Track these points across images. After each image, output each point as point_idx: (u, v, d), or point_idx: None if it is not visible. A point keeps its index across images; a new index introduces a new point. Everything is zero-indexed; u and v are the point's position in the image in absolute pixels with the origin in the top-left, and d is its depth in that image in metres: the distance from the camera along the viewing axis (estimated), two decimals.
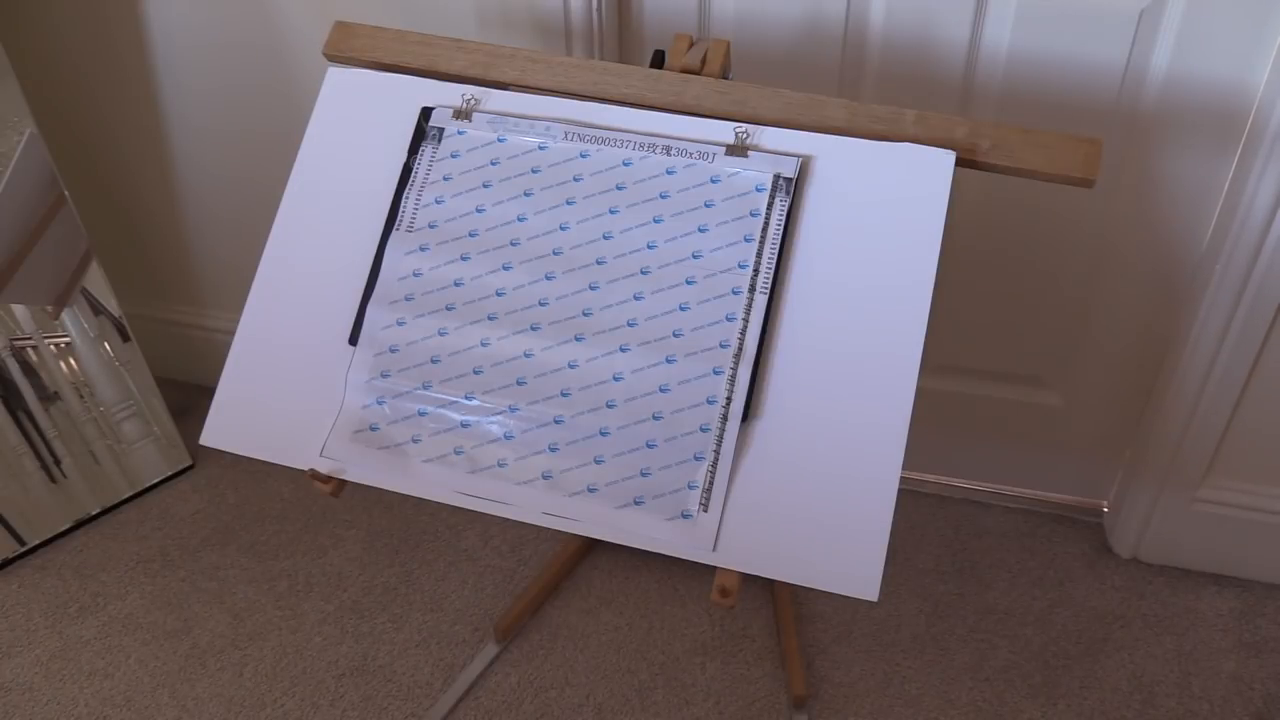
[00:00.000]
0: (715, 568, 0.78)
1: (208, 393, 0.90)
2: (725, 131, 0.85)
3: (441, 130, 0.89)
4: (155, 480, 1.46)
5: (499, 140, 0.88)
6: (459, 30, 1.19)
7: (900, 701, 1.14)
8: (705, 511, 0.78)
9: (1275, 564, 1.27)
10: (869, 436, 0.77)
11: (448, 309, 0.85)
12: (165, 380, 1.56)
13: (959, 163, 0.82)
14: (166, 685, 1.16)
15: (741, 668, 1.18)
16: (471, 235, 0.86)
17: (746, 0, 1.12)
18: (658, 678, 1.16)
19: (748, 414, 0.79)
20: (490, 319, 0.84)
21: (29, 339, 1.31)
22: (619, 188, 0.85)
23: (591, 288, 0.83)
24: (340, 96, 0.92)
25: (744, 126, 0.85)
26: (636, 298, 0.82)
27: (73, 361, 1.36)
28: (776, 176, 0.83)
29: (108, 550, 1.35)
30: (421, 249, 0.87)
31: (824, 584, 0.76)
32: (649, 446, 0.80)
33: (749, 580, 1.22)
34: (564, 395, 0.82)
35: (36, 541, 1.35)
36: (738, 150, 0.84)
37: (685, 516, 0.79)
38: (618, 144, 0.86)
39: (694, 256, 0.83)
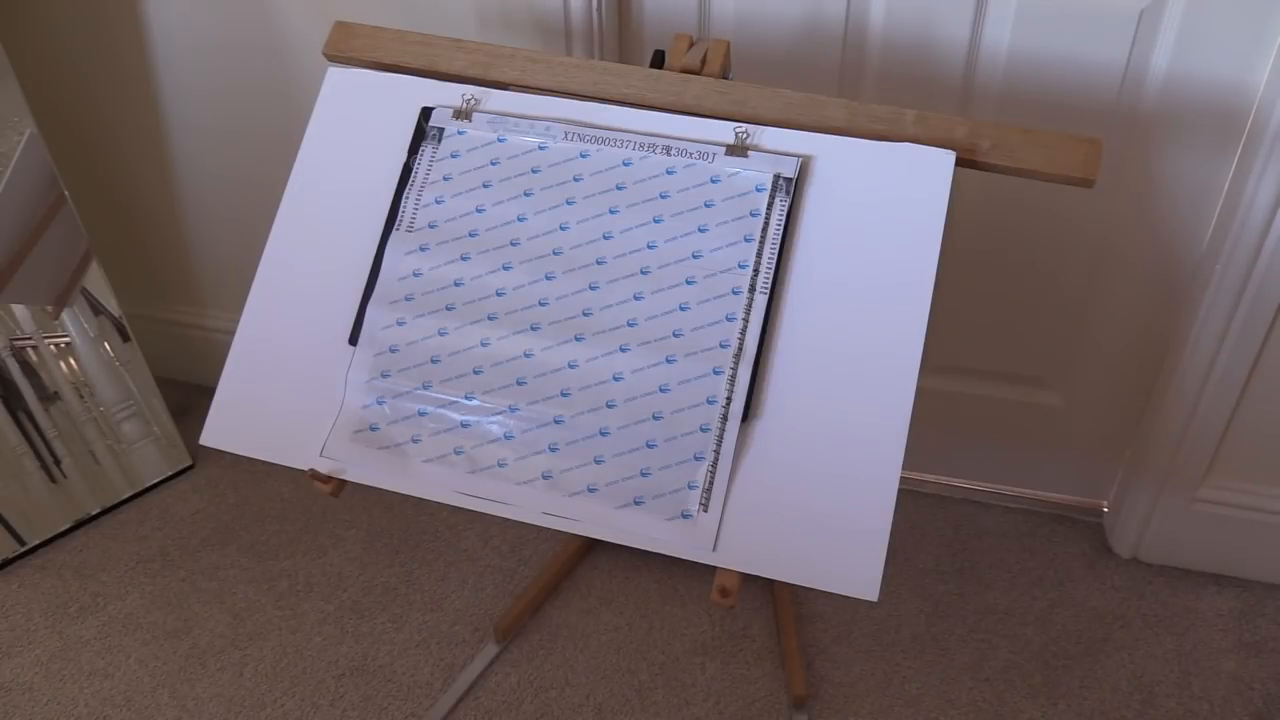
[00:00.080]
0: (715, 568, 0.78)
1: (208, 393, 0.90)
2: (725, 131, 0.85)
3: (441, 130, 0.89)
4: (155, 480, 1.46)
5: (499, 140, 0.88)
6: (459, 30, 1.19)
7: (900, 701, 1.14)
8: (705, 511, 0.78)
9: (1275, 564, 1.27)
10: (869, 436, 0.77)
11: (448, 309, 0.85)
12: (165, 380, 1.56)
13: (959, 163, 0.82)
14: (166, 685, 1.16)
15: (741, 668, 1.18)
16: (471, 235, 0.86)
17: (746, 0, 1.12)
18: (658, 678, 1.16)
19: (748, 414, 0.79)
20: (490, 319, 0.84)
21: (29, 339, 1.31)
22: (619, 188, 0.85)
23: (591, 288, 0.83)
24: (340, 96, 0.92)
25: (744, 126, 0.85)
26: (636, 298, 0.82)
27: (73, 361, 1.36)
28: (776, 176, 0.83)
29: (108, 550, 1.35)
30: (421, 249, 0.87)
31: (824, 584, 0.76)
32: (649, 446, 0.80)
33: (749, 580, 1.22)
34: (564, 395, 0.82)
35: (36, 541, 1.35)
36: (738, 150, 0.84)
37: (685, 516, 0.79)
38: (618, 144, 0.86)
39: (694, 256, 0.83)
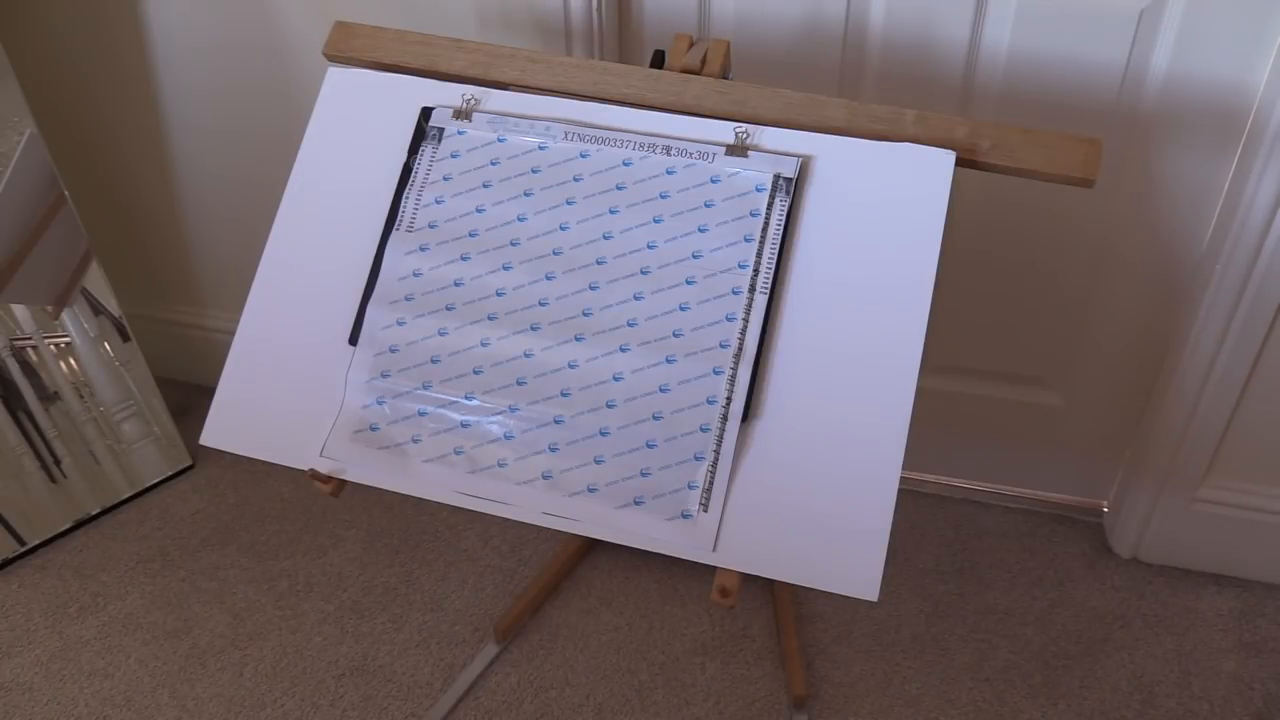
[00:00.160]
0: (715, 568, 0.78)
1: (208, 393, 0.90)
2: (725, 131, 0.85)
3: (441, 130, 0.89)
4: (155, 480, 1.46)
5: (499, 140, 0.88)
6: (459, 30, 1.19)
7: (900, 701, 1.14)
8: (705, 511, 0.78)
9: (1275, 564, 1.27)
10: (869, 436, 0.77)
11: (448, 309, 0.85)
12: (165, 380, 1.56)
13: (959, 163, 0.82)
14: (166, 685, 1.16)
15: (741, 668, 1.18)
16: (471, 235, 0.86)
17: (746, 0, 1.12)
18: (658, 678, 1.16)
19: (748, 414, 0.79)
20: (490, 319, 0.84)
21: (29, 339, 1.31)
22: (619, 188, 0.85)
23: (591, 288, 0.83)
24: (340, 96, 0.92)
25: (744, 126, 0.85)
26: (636, 298, 0.82)
27: (73, 361, 1.36)
28: (776, 176, 0.83)
29: (108, 550, 1.35)
30: (421, 249, 0.87)
31: (824, 584, 0.76)
32: (649, 446, 0.80)
33: (749, 580, 1.22)
34: (564, 395, 0.82)
35: (36, 541, 1.35)
36: (738, 150, 0.84)
37: (685, 516, 0.79)
38: (618, 144, 0.86)
39: (694, 256, 0.83)
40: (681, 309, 0.82)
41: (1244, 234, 1.06)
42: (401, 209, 0.88)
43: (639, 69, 0.88)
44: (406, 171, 0.89)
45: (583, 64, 0.89)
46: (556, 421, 0.81)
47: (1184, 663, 1.18)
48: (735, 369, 0.80)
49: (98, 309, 1.37)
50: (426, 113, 0.90)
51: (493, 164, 0.88)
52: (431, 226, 0.87)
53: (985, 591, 1.28)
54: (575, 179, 0.86)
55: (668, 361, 0.81)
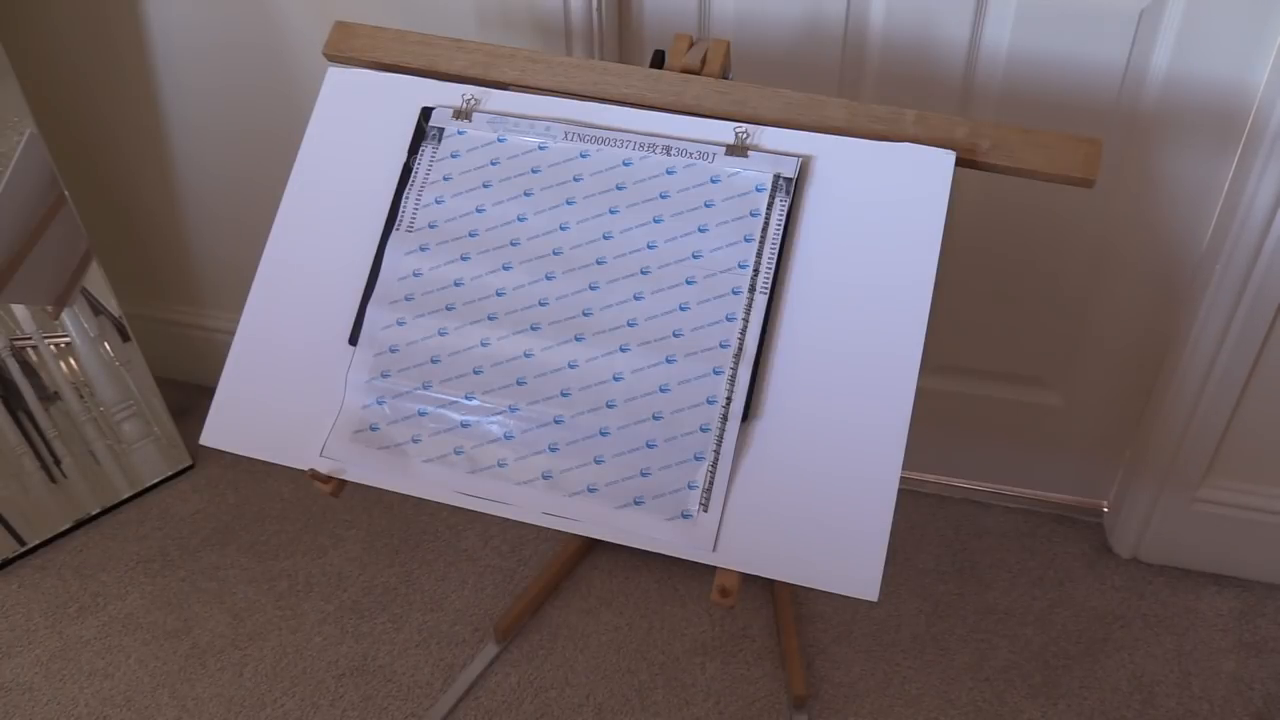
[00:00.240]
0: (715, 568, 0.78)
1: (208, 393, 0.90)
2: (725, 131, 0.85)
3: (441, 130, 0.89)
4: (155, 480, 1.46)
5: (499, 140, 0.88)
6: (459, 30, 1.19)
7: (900, 701, 1.14)
8: (705, 511, 0.78)
9: (1275, 564, 1.27)
10: (869, 436, 0.77)
11: (448, 309, 0.85)
12: (165, 380, 1.56)
13: (959, 163, 0.82)
14: (166, 685, 1.16)
15: (741, 668, 1.18)
16: (471, 235, 0.86)
17: (746, 0, 1.12)
18: (658, 678, 1.16)
19: (748, 414, 0.79)
20: (490, 319, 0.84)
21: (29, 339, 1.31)
22: (619, 188, 0.85)
23: (591, 288, 0.83)
24: (340, 96, 0.92)
25: (744, 126, 0.85)
26: (636, 298, 0.82)
27: (73, 361, 1.36)
28: (776, 176, 0.83)
29: (108, 550, 1.35)
30: (421, 249, 0.87)
31: (824, 584, 0.76)
32: (649, 446, 0.80)
33: (749, 580, 1.22)
34: (564, 395, 0.82)
35: (36, 541, 1.35)
36: (738, 150, 0.84)
37: (685, 516, 0.79)
38: (618, 144, 0.86)
39: (694, 256, 0.83)
40: (681, 309, 0.82)
41: (1244, 234, 1.06)
42: (401, 209, 0.88)
43: (639, 69, 0.88)
44: (406, 171, 0.89)
45: (583, 64, 0.89)
46: (556, 421, 0.81)
47: (1184, 663, 1.18)
48: (735, 369, 0.80)
49: (98, 309, 1.37)
50: (426, 113, 0.90)
51: (493, 164, 0.88)
52: (431, 226, 0.87)
53: (985, 591, 1.28)
54: (575, 179, 0.86)
55: (668, 361, 0.81)
